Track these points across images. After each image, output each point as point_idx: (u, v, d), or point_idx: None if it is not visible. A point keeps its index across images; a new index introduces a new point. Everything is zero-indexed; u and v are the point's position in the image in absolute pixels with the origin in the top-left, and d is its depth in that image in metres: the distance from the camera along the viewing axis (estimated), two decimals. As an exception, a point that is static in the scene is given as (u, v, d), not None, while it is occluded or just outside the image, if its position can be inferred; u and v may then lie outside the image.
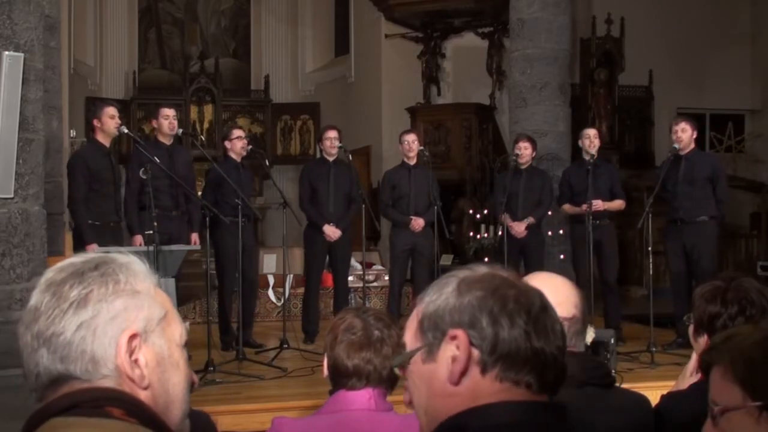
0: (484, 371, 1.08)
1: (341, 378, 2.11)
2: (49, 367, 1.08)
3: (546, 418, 1.09)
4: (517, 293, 1.12)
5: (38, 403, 1.10)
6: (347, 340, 2.11)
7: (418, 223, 6.82)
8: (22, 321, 1.12)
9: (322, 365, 2.19)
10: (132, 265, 1.15)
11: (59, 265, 1.15)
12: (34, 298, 1.12)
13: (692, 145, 6.48)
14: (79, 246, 5.86)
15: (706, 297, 2.15)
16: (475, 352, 1.08)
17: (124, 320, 1.10)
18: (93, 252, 1.19)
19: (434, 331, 1.12)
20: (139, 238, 5.99)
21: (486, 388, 1.08)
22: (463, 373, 1.08)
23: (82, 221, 5.83)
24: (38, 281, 1.14)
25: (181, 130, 6.50)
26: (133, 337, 1.10)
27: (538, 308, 1.12)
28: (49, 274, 1.14)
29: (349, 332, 2.12)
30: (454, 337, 1.09)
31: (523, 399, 1.08)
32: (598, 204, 6.56)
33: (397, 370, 1.19)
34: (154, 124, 6.50)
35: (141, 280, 1.14)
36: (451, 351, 1.09)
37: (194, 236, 6.39)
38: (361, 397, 2.09)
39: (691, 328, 2.22)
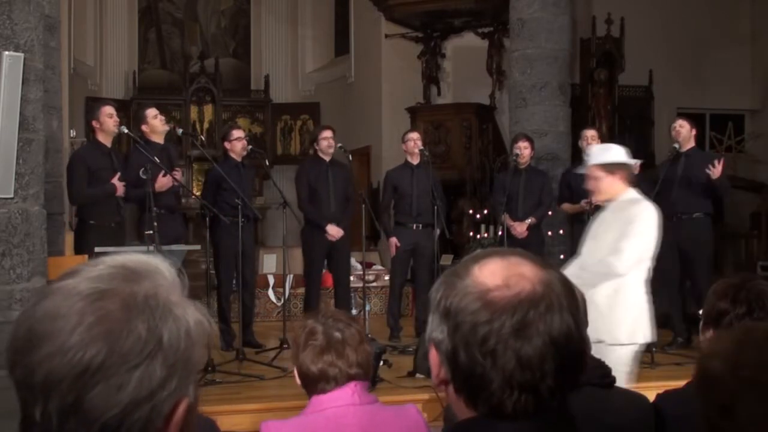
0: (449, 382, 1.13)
1: (310, 383, 2.17)
2: None
3: None
4: (476, 322, 1.06)
5: None
6: (310, 346, 2.17)
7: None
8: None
9: (293, 374, 2.25)
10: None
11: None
12: None
13: (692, 143, 6.57)
14: (81, 244, 5.88)
15: (718, 293, 2.17)
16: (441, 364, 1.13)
17: None
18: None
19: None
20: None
21: (451, 395, 1.12)
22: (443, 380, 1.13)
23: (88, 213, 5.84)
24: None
25: (180, 130, 6.48)
26: None
27: (507, 334, 1.04)
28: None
29: (311, 338, 2.19)
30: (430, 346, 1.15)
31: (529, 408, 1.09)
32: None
33: None
34: (144, 128, 6.29)
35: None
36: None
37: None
38: (344, 393, 2.13)
39: (701, 323, 2.24)
